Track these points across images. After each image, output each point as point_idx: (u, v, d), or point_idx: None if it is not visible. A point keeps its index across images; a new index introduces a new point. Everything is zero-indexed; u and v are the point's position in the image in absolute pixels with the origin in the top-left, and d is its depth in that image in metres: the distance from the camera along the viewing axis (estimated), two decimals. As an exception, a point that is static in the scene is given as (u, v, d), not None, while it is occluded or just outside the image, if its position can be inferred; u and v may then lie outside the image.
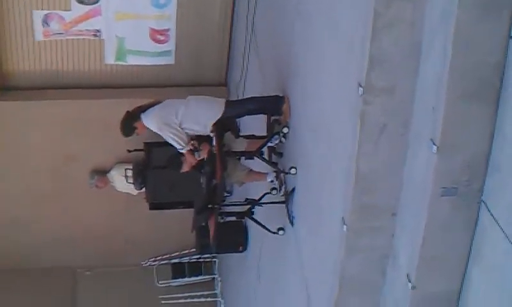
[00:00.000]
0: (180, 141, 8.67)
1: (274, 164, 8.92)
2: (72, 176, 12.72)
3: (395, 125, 6.11)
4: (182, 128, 8.70)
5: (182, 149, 8.72)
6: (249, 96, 9.76)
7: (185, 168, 8.90)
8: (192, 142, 8.77)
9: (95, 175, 12.81)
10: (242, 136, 9.20)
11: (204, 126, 8.73)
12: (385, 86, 5.99)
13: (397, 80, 5.97)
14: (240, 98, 10.66)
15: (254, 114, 9.01)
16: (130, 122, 8.88)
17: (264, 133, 9.08)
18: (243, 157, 9.06)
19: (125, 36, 11.78)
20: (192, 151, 8.78)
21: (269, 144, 8.92)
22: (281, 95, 8.76)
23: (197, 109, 8.80)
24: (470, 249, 5.80)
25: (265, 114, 9.04)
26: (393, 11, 5.74)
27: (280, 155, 8.97)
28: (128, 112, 8.92)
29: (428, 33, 5.73)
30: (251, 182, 9.41)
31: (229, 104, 8.94)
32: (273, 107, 8.77)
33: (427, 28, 5.73)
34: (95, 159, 12.70)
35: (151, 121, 8.77)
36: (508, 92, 5.24)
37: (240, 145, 9.06)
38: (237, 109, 9.08)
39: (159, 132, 8.78)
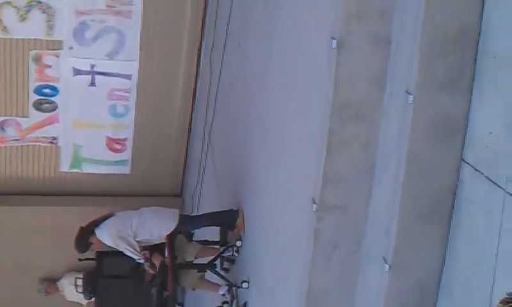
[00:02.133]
0: (136, 253, 8.65)
1: (226, 279, 8.84)
2: (22, 282, 12.46)
3: (348, 242, 6.12)
4: (136, 241, 8.67)
5: (140, 259, 8.66)
6: (203, 212, 9.68)
7: (152, 269, 8.82)
8: (144, 252, 8.71)
9: (44, 282, 12.60)
10: (195, 241, 9.15)
11: (158, 237, 8.69)
12: (338, 203, 6.03)
13: (351, 198, 6.02)
14: (194, 213, 10.58)
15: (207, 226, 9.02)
16: (84, 238, 8.82)
17: (217, 238, 9.04)
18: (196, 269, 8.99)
19: (82, 144, 11.74)
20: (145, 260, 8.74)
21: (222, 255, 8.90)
22: (236, 209, 8.76)
23: (151, 220, 8.77)
24: None
25: (219, 226, 9.04)
26: (347, 131, 5.82)
27: (233, 261, 8.91)
28: (81, 227, 8.86)
29: (382, 154, 5.81)
30: (204, 290, 9.30)
31: (183, 219, 8.90)
32: (227, 221, 8.76)
33: (381, 149, 5.81)
34: (46, 266, 12.48)
35: (105, 236, 8.73)
36: (459, 215, 5.29)
37: (193, 249, 9.02)
38: (190, 225, 9.10)
39: (114, 246, 8.74)
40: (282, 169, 7.35)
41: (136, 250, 8.63)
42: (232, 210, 8.79)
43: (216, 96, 10.00)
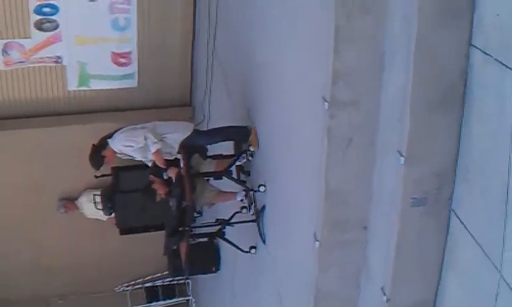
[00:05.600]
0: (153, 137, 8.56)
1: (243, 183, 8.88)
2: (40, 204, 12.56)
3: (362, 137, 6.10)
4: None
5: (156, 144, 8.58)
6: (216, 126, 9.54)
7: (160, 195, 8.84)
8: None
9: (63, 200, 12.70)
10: (209, 157, 9.14)
11: (173, 143, 8.66)
12: (350, 99, 5.99)
13: (362, 93, 5.97)
14: (207, 127, 10.45)
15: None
16: (97, 153, 8.80)
17: (231, 153, 9.05)
18: (212, 178, 9.01)
19: (87, 61, 11.69)
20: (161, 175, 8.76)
21: (237, 163, 8.89)
22: (248, 127, 8.71)
23: (166, 127, 8.79)
24: (443, 257, 5.79)
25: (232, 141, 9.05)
26: (353, 24, 5.74)
27: (248, 173, 8.94)
28: (93, 145, 8.86)
29: (389, 45, 5.74)
30: (221, 203, 9.35)
31: (196, 133, 8.90)
32: (240, 138, 8.75)
33: (389, 40, 5.74)
34: (62, 187, 12.56)
35: (120, 139, 8.69)
36: (471, 99, 5.25)
37: (208, 167, 9.02)
38: (204, 139, 9.05)
39: (129, 144, 8.66)
40: (292, 69, 7.29)
41: (154, 135, 8.57)
42: (244, 127, 8.75)
43: (217, 1, 9.87)
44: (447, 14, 5.21)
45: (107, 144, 8.75)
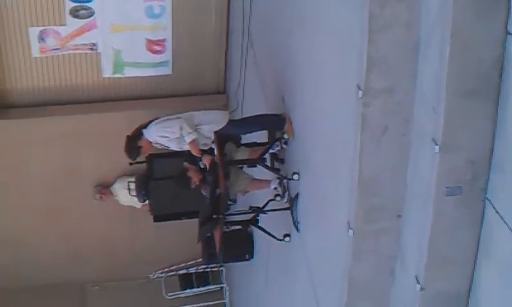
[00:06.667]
0: (188, 127, 8.60)
1: (276, 171, 8.87)
2: (75, 191, 12.67)
3: (396, 125, 6.07)
4: None
5: (192, 133, 8.63)
6: (251, 115, 9.54)
7: (195, 182, 8.87)
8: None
9: (98, 186, 12.78)
10: (243, 145, 9.15)
11: (208, 132, 8.69)
12: (384, 87, 5.96)
13: (396, 80, 5.94)
14: (242, 116, 10.45)
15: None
16: (133, 143, 8.83)
17: (265, 140, 9.05)
18: (245, 165, 9.02)
19: (122, 48, 11.74)
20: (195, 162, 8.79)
21: (271, 150, 8.89)
22: (282, 115, 8.70)
23: (200, 116, 8.82)
24: (478, 247, 5.76)
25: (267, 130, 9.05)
26: (388, 12, 5.71)
27: (282, 161, 8.93)
28: (128, 136, 8.88)
29: (425, 33, 5.70)
30: (255, 190, 9.35)
31: (232, 123, 8.90)
32: (275, 126, 8.74)
33: (424, 28, 5.70)
34: (97, 173, 12.64)
35: (156, 130, 8.72)
36: (508, 88, 5.20)
37: (242, 154, 9.03)
38: (239, 128, 9.06)
39: (164, 134, 8.71)
40: (325, 58, 7.27)
41: (189, 125, 8.59)
42: (279, 116, 8.74)
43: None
44: (483, 1, 5.16)
45: (141, 134, 8.78)
